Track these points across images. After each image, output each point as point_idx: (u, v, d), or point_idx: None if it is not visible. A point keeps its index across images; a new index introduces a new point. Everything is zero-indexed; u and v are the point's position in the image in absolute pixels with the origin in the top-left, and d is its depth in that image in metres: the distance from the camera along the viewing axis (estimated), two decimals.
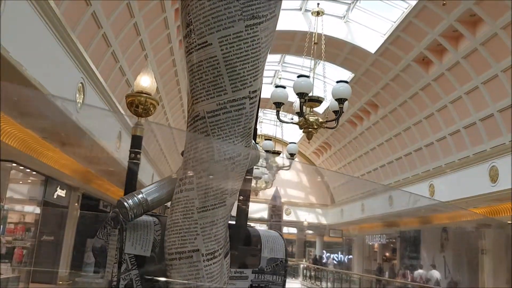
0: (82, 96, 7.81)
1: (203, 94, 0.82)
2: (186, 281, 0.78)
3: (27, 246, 10.49)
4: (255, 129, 0.89)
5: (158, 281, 0.82)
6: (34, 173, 10.28)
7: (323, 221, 24.19)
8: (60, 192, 11.42)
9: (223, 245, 0.78)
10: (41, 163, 9.32)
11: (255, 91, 0.86)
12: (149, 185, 0.84)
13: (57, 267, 11.36)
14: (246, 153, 0.80)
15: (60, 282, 11.12)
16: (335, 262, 23.25)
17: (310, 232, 26.01)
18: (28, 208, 11.19)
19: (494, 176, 10.29)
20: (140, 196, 0.80)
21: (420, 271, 14.53)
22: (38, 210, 10.91)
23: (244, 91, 0.83)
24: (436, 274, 13.71)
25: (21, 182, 11.26)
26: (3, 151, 7.93)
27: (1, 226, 9.60)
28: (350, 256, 24.54)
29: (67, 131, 7.94)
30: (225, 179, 0.76)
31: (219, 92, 0.82)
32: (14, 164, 9.26)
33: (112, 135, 9.41)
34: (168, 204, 0.83)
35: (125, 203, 0.77)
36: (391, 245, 20.64)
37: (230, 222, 0.87)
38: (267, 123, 18.92)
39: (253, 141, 0.89)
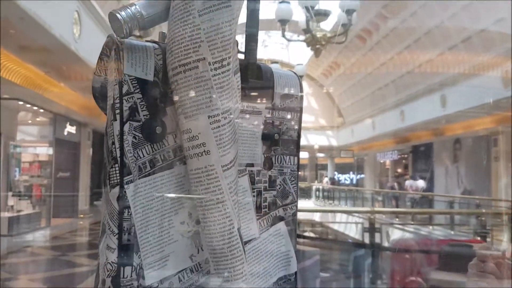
0: (79, 26, 7.58)
1: None
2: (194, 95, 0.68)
3: (45, 184, 10.72)
4: None
5: (164, 105, 0.73)
6: (41, 111, 10.27)
7: (334, 143, 24.32)
8: (70, 129, 11.48)
9: (231, 54, 0.68)
10: (48, 100, 9.27)
11: None
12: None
13: (76, 202, 11.67)
14: None
15: (81, 215, 11.48)
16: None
17: (322, 155, 26.28)
18: (41, 147, 11.32)
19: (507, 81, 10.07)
20: (133, 8, 0.69)
21: (410, 181, 16.36)
22: (50, 148, 11.03)
23: None
24: (420, 183, 15.73)
25: (30, 122, 11.32)
26: (8, 89, 7.86)
27: (17, 168, 9.74)
28: (362, 175, 24.93)
29: (67, 62, 7.80)
30: None
31: None
32: (21, 102, 9.23)
33: None
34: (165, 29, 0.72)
35: (118, 15, 0.67)
36: (403, 160, 20.81)
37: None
38: (272, 46, 18.45)
39: None
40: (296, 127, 0.90)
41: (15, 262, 6.21)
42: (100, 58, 0.78)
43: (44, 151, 11.16)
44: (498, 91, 10.09)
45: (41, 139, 11.45)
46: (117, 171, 0.68)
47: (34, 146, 11.54)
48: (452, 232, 9.34)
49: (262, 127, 0.85)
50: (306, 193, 21.56)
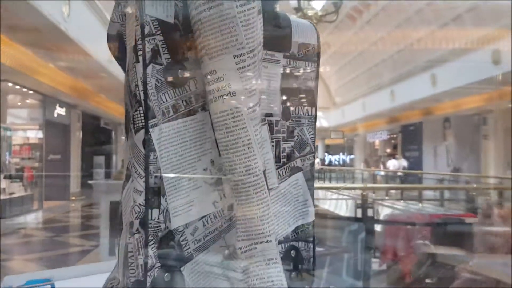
0: (68, 5, 7.46)
1: None
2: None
3: (36, 166, 10.64)
4: None
5: (185, 49, 0.71)
6: (31, 92, 10.13)
7: (325, 124, 24.36)
8: (60, 111, 11.36)
9: None
10: (37, 82, 9.14)
11: None
12: None
13: (67, 184, 11.62)
14: None
15: (73, 198, 11.44)
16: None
17: None
18: (31, 129, 11.21)
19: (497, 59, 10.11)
20: None
21: (393, 160, 17.13)
22: (41, 130, 10.93)
23: None
24: (402, 162, 16.49)
25: (19, 104, 11.17)
26: None
27: (7, 152, 9.64)
28: (352, 156, 25.08)
29: (56, 42, 7.68)
30: None
31: None
32: (10, 84, 9.10)
33: (103, 45, 9.10)
34: None
35: None
36: (392, 140, 20.97)
37: None
38: None
39: None
40: (314, 77, 0.89)
41: (9, 244, 6.20)
42: (117, 4, 0.76)
43: (34, 134, 11.06)
44: (488, 69, 10.14)
45: (31, 121, 11.33)
46: (142, 114, 0.67)
47: (24, 129, 11.43)
48: (442, 209, 9.47)
49: (280, 76, 0.84)
50: None
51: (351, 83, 20.04)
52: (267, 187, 0.72)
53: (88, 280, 1.26)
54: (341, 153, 26.68)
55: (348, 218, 5.23)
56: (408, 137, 18.19)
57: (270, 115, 0.83)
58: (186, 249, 0.71)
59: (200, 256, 0.73)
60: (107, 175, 11.20)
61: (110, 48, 0.81)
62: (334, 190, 10.49)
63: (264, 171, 0.71)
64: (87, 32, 8.11)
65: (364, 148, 23.74)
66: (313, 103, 0.89)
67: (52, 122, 11.15)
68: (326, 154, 26.18)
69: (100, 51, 8.91)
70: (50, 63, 8.91)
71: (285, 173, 0.85)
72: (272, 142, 0.83)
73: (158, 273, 0.68)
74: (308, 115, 0.89)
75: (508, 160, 12.03)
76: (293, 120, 0.87)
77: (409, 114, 16.71)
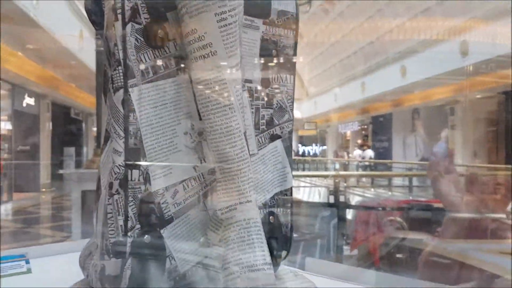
0: None
1: None
2: None
3: (5, 157, 10.38)
4: None
5: (164, 10, 0.71)
6: None
7: (298, 115, 24.51)
8: (29, 100, 11.08)
9: None
10: (5, 70, 8.87)
11: None
12: None
13: (37, 176, 11.38)
14: None
15: (43, 189, 11.20)
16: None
17: None
18: None
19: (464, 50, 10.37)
20: None
21: (358, 151, 17.39)
22: (9, 121, 10.66)
23: None
24: (368, 153, 16.69)
25: None
26: None
27: None
28: (325, 147, 25.35)
29: (25, 30, 7.50)
30: None
31: None
32: None
33: (73, 33, 8.92)
34: None
35: None
36: (363, 131, 21.28)
37: None
38: None
39: None
40: (293, 45, 0.89)
41: None
42: None
43: (3, 124, 10.78)
44: (456, 60, 10.38)
45: None
46: (121, 74, 0.66)
47: None
48: (411, 197, 9.71)
49: (259, 42, 0.84)
50: None
51: (324, 74, 20.20)
52: (248, 148, 0.72)
53: (63, 258, 1.24)
54: (314, 144, 26.93)
55: (321, 204, 5.30)
56: (378, 128, 18.49)
57: (250, 81, 0.83)
58: (166, 212, 0.71)
59: (180, 219, 0.73)
60: (78, 164, 11.02)
61: (87, 12, 0.79)
62: (307, 180, 10.62)
63: (245, 133, 0.72)
64: (56, 19, 7.92)
65: (336, 139, 24.02)
66: (291, 71, 0.89)
67: (21, 112, 10.87)
68: (299, 145, 26.38)
69: (70, 39, 8.73)
70: (18, 52, 8.67)
71: (264, 140, 0.85)
72: (252, 108, 0.84)
73: (138, 235, 0.68)
74: (287, 82, 0.89)
75: (475, 149, 12.40)
76: (272, 88, 0.87)
77: (379, 106, 16.96)
